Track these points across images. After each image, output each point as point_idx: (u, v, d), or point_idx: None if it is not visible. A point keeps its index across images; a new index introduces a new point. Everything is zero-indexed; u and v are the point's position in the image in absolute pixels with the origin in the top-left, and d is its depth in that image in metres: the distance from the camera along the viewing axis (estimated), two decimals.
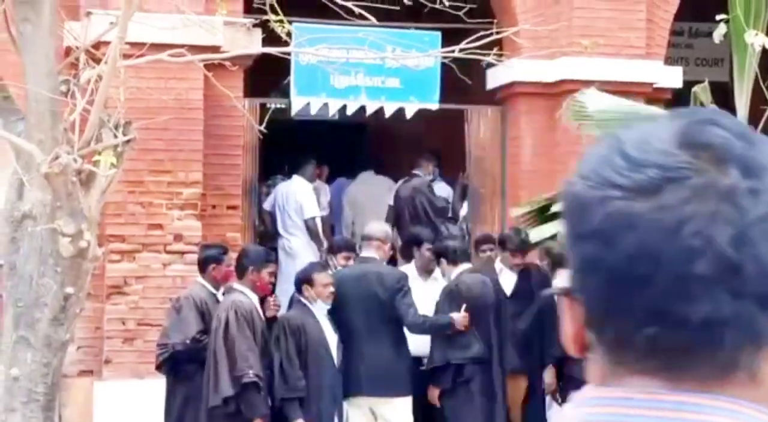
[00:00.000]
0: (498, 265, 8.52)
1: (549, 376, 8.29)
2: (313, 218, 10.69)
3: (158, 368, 7.72)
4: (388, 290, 7.60)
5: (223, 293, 7.46)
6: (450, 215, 11.12)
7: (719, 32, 7.40)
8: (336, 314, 7.47)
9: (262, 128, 7.51)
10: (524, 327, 8.34)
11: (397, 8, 6.70)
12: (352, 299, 7.58)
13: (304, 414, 7.07)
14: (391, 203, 11.31)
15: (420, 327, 7.67)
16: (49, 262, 5.48)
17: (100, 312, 9.10)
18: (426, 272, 8.34)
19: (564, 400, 8.43)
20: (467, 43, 6.75)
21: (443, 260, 8.13)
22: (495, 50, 6.85)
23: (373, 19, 6.35)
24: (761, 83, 8.20)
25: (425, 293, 8.20)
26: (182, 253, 9.13)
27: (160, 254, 9.11)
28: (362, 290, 7.62)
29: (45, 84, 5.48)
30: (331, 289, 7.37)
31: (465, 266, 8.02)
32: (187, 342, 7.40)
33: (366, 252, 7.89)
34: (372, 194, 11.52)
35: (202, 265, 7.77)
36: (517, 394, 8.38)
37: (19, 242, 5.63)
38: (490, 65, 7.84)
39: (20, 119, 5.73)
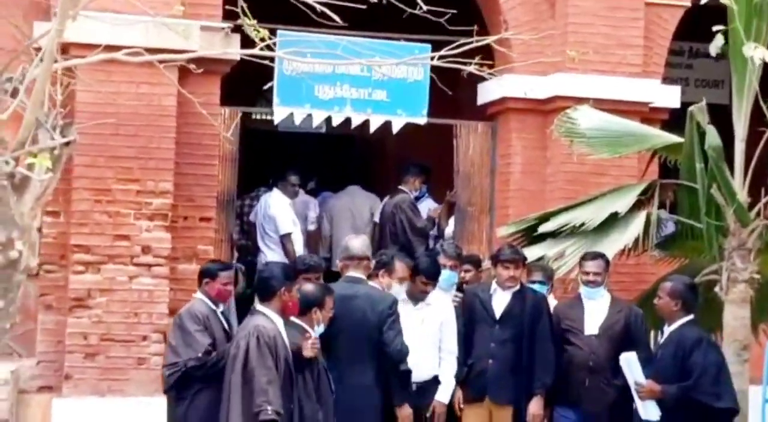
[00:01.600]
0: (493, 285, 7.97)
1: (536, 407, 7.75)
2: (288, 235, 10.18)
3: (167, 390, 7.19)
4: (378, 315, 7.15)
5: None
6: (435, 234, 10.60)
7: (716, 44, 6.88)
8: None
9: (227, 135, 6.97)
10: (513, 354, 7.81)
11: (392, 16, 6.19)
12: (339, 321, 7.05)
13: None
14: (377, 219, 10.82)
15: (402, 358, 7.25)
16: None
17: (62, 326, 8.56)
18: (417, 297, 7.80)
19: None
20: (447, 50, 6.23)
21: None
22: (477, 59, 6.31)
23: (338, 19, 5.80)
24: (761, 102, 7.69)
25: (415, 318, 7.72)
26: (150, 266, 8.59)
27: (126, 266, 8.55)
28: (352, 312, 7.14)
29: None
30: (332, 312, 6.85)
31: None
32: (200, 355, 6.95)
33: (354, 272, 7.40)
34: (351, 208, 11.00)
35: (199, 279, 7.36)
36: None
37: None
38: (473, 77, 7.36)
39: None
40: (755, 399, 7.85)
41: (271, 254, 10.35)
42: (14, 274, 5.02)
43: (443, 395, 7.78)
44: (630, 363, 7.23)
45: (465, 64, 6.46)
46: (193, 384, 7.01)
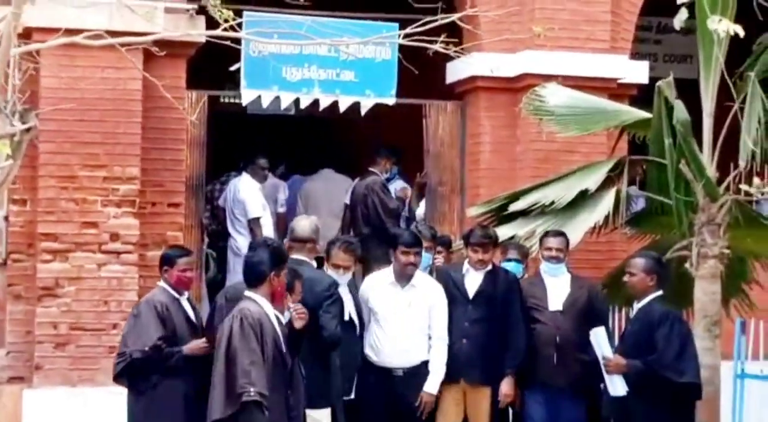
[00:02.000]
0: (465, 265, 7.93)
1: (507, 387, 7.72)
2: (257, 219, 10.10)
3: (116, 379, 7.05)
4: (316, 297, 6.94)
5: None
6: (407, 215, 10.54)
7: (680, 18, 6.82)
8: None
9: (193, 118, 6.89)
10: (486, 334, 7.77)
11: None
12: None
13: None
14: (347, 201, 10.74)
15: (335, 344, 7.09)
16: None
17: (31, 315, 8.49)
18: (404, 277, 7.66)
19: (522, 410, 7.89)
20: (413, 28, 6.16)
21: None
22: (443, 38, 6.24)
23: None
24: (726, 77, 7.66)
25: (401, 301, 7.60)
26: (118, 253, 8.52)
27: (94, 254, 8.47)
28: None
29: None
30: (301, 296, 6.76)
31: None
32: (146, 349, 6.80)
33: (298, 254, 7.24)
34: (327, 192, 10.95)
35: (160, 266, 7.19)
36: (481, 405, 7.77)
37: None
38: (450, 58, 7.29)
39: None
40: (727, 374, 7.85)
41: (240, 238, 10.28)
42: None
43: (432, 385, 7.56)
44: (599, 338, 7.23)
45: (432, 42, 6.39)
46: (150, 377, 6.88)
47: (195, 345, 6.92)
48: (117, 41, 5.88)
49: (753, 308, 8.80)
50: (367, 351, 7.59)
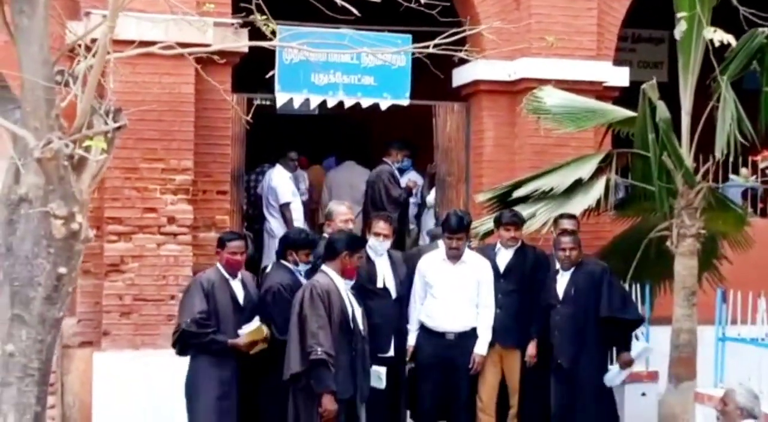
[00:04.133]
0: (497, 245, 8.02)
1: (532, 349, 7.82)
2: (287, 204, 10.18)
3: (174, 346, 7.15)
4: None
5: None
6: (418, 202, 10.60)
7: (680, 29, 6.91)
8: None
9: (248, 118, 6.95)
10: (517, 304, 7.89)
11: (375, 10, 6.17)
12: None
13: None
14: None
15: None
16: (43, 243, 4.95)
17: (100, 288, 8.53)
18: (452, 256, 7.74)
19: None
20: (440, 39, 6.22)
21: None
22: (453, 47, 6.31)
23: (355, 11, 5.75)
24: (720, 79, 7.72)
25: (452, 276, 7.70)
26: (175, 234, 8.57)
27: (154, 235, 8.52)
28: None
29: (40, 73, 4.92)
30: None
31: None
32: (188, 321, 6.86)
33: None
34: (349, 181, 11.00)
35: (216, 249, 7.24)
36: (515, 365, 7.93)
37: (15, 224, 5.08)
38: (462, 62, 7.36)
39: (17, 107, 5.16)
40: (710, 337, 7.97)
41: (273, 221, 10.36)
42: (75, 244, 5.01)
43: (481, 347, 7.72)
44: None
45: (454, 51, 6.46)
46: (191, 351, 6.99)
47: (240, 342, 6.90)
48: (186, 51, 5.94)
49: (723, 281, 8.90)
50: (423, 318, 7.70)
